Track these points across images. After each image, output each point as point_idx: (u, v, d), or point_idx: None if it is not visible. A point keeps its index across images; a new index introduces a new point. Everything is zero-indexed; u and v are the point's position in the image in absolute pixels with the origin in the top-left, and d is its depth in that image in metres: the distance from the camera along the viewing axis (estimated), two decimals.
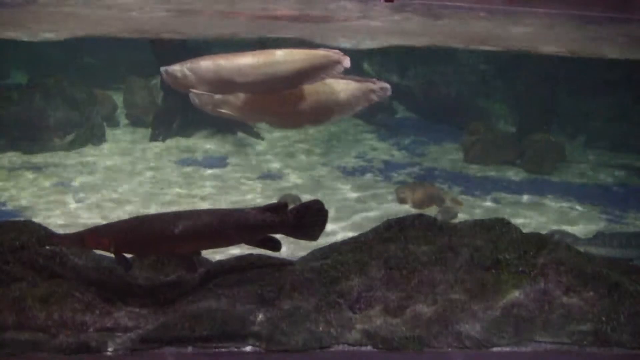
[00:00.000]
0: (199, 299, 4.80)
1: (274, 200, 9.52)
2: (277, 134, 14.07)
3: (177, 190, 10.58)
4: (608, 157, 13.87)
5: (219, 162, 12.17)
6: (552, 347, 4.85)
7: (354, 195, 10.69)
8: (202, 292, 4.87)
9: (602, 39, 9.96)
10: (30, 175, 10.99)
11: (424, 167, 12.63)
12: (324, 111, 5.81)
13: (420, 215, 5.67)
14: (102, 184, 10.70)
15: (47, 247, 5.06)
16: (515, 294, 5.01)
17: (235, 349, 4.59)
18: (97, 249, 4.99)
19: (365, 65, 15.97)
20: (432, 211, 9.55)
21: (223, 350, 4.57)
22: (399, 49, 13.21)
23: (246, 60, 5.52)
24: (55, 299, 4.67)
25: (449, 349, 4.75)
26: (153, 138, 13.31)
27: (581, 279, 5.11)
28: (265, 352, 4.59)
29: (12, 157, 11.85)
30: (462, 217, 9.59)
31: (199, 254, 5.21)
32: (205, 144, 13.03)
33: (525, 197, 11.06)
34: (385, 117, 15.91)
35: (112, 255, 4.84)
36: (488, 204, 10.63)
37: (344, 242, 5.62)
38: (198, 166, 11.85)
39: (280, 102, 5.75)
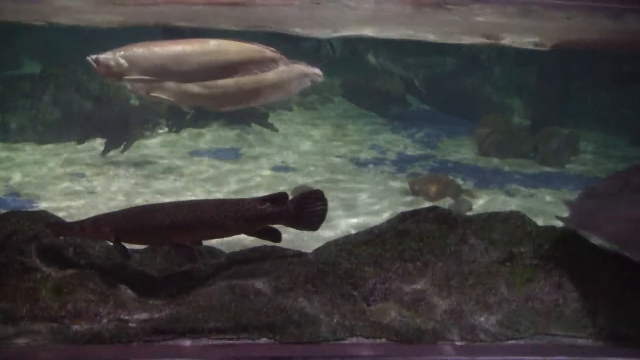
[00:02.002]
0: (212, 290, 4.80)
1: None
2: (291, 126, 14.05)
3: (188, 181, 10.57)
4: (623, 151, 13.78)
5: (232, 153, 12.16)
6: (567, 340, 4.82)
7: (367, 187, 10.66)
8: (216, 284, 4.87)
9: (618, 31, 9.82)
10: (39, 163, 11.06)
11: (438, 159, 12.58)
12: (256, 93, 5.78)
13: (434, 208, 5.66)
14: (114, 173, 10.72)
15: (61, 237, 5.08)
16: (530, 287, 4.99)
17: (249, 341, 4.59)
18: (97, 238, 5.00)
19: (370, 57, 15.84)
20: (446, 203, 9.51)
21: (237, 342, 4.57)
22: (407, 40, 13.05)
23: (180, 48, 5.46)
24: (68, 290, 4.68)
25: (464, 342, 4.73)
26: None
27: (596, 273, 5.09)
28: (279, 344, 4.59)
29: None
30: (476, 209, 9.55)
31: (200, 244, 5.23)
32: (218, 136, 13.02)
33: (540, 190, 10.99)
34: (399, 109, 15.85)
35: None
36: (502, 196, 10.57)
37: (358, 234, 5.61)
38: (210, 157, 11.83)
39: (213, 85, 5.73)
